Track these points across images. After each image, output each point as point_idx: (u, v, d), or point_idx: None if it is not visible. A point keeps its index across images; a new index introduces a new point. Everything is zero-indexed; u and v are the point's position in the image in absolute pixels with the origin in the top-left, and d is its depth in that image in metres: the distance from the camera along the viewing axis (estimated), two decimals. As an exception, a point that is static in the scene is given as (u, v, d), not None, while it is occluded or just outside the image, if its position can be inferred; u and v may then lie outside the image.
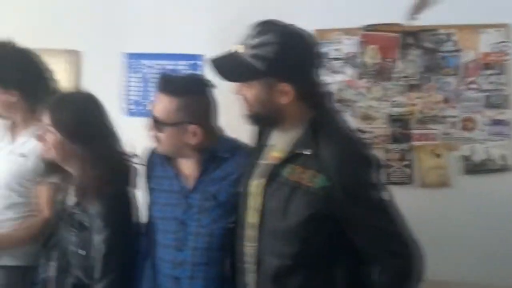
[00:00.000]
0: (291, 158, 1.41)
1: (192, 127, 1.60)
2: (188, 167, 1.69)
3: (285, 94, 1.39)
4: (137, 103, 2.74)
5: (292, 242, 1.38)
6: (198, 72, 1.70)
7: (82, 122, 1.70)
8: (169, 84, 1.62)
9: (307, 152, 1.37)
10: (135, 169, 1.78)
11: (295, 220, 1.36)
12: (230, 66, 1.42)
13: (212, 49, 2.60)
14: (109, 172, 1.67)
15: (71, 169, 1.73)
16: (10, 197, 1.97)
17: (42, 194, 1.97)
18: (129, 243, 1.73)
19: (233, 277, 1.57)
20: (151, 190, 1.76)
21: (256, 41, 1.38)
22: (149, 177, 1.78)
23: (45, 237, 1.84)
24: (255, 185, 1.49)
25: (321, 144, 1.36)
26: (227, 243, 1.60)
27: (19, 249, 1.95)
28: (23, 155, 1.97)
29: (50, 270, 1.76)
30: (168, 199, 1.69)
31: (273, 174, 1.43)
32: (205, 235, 1.62)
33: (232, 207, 1.58)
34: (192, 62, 2.66)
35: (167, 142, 1.63)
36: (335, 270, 1.40)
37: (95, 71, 2.78)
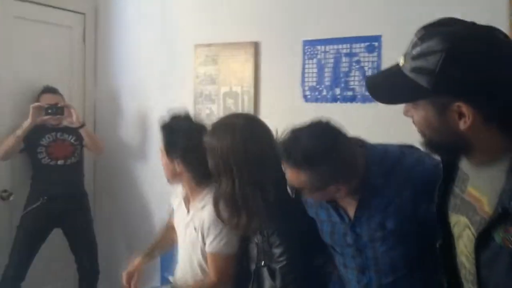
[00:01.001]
0: (501, 216, 1.02)
1: (331, 188, 1.47)
2: (342, 200, 1.56)
3: (463, 116, 1.03)
4: (312, 89, 2.77)
5: None
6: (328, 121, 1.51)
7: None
8: (290, 156, 1.44)
9: None
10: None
11: None
12: (386, 85, 1.15)
13: (390, 29, 2.54)
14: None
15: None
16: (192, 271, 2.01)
17: (212, 262, 1.95)
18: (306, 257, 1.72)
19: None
20: (313, 219, 1.68)
21: (418, 50, 1.05)
22: (305, 204, 1.70)
23: None
24: (459, 227, 1.18)
25: None
26: (415, 260, 1.49)
27: None
28: (195, 229, 1.95)
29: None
30: (333, 228, 1.60)
31: (484, 235, 1.06)
32: (385, 261, 1.52)
33: (407, 233, 1.45)
34: (368, 43, 2.58)
35: (315, 199, 1.58)
36: None
37: (273, 60, 2.90)
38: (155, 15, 3.43)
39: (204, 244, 1.92)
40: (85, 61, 3.72)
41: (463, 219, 1.15)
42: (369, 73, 2.58)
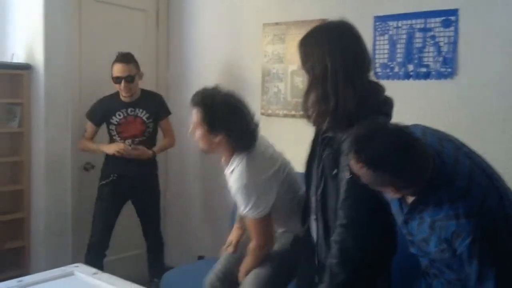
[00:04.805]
0: None
1: (390, 189, 1.50)
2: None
3: None
4: (383, 66, 2.70)
5: None
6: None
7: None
8: (361, 154, 1.46)
9: None
10: None
11: None
12: None
13: (467, 2, 2.41)
14: None
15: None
16: None
17: (249, 226, 2.11)
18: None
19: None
20: None
21: None
22: None
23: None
24: None
25: None
26: None
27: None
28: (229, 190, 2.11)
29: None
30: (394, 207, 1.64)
31: None
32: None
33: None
34: (444, 18, 2.46)
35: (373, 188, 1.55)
36: None
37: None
38: (224, -5, 3.47)
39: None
40: (158, 44, 3.84)
41: None
42: (444, 49, 2.47)
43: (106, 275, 1.91)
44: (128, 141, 3.12)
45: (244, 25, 3.37)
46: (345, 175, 1.60)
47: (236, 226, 2.42)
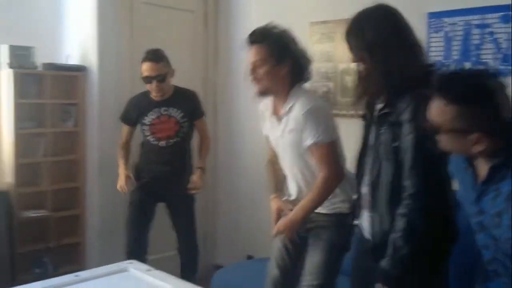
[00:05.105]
0: None
1: (473, 136, 1.37)
2: (479, 165, 1.47)
3: None
4: (439, 64, 2.61)
5: None
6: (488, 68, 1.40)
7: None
8: (449, 88, 1.39)
9: None
10: None
11: None
12: None
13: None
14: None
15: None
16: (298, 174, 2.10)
17: (318, 154, 2.02)
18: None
19: None
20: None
21: None
22: None
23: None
24: None
25: None
26: None
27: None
28: (291, 130, 2.04)
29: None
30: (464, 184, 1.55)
31: None
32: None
33: None
34: (503, 13, 2.37)
35: (446, 145, 1.45)
36: None
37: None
38: (271, -6, 3.46)
39: (305, 141, 1.99)
40: (206, 44, 3.87)
41: None
42: (504, 45, 2.38)
43: (158, 272, 1.94)
44: (133, 183, 2.99)
45: (291, 24, 3.34)
46: (410, 139, 1.57)
47: (273, 197, 2.30)
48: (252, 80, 2.07)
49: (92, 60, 3.34)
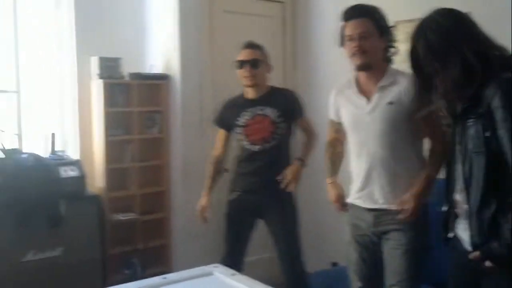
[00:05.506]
0: None
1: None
2: None
3: None
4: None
5: None
6: None
7: None
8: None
9: None
10: None
11: None
12: None
13: None
14: None
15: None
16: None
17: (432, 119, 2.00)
18: None
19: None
20: None
21: None
22: None
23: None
24: None
25: None
26: None
27: None
28: (390, 103, 2.06)
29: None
30: None
31: None
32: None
33: None
34: None
35: None
36: None
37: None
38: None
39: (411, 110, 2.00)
40: (285, 48, 3.88)
41: None
42: None
43: (244, 277, 1.95)
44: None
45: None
46: (509, 126, 1.49)
47: (331, 181, 2.38)
48: (357, 52, 2.08)
49: (174, 68, 3.46)
